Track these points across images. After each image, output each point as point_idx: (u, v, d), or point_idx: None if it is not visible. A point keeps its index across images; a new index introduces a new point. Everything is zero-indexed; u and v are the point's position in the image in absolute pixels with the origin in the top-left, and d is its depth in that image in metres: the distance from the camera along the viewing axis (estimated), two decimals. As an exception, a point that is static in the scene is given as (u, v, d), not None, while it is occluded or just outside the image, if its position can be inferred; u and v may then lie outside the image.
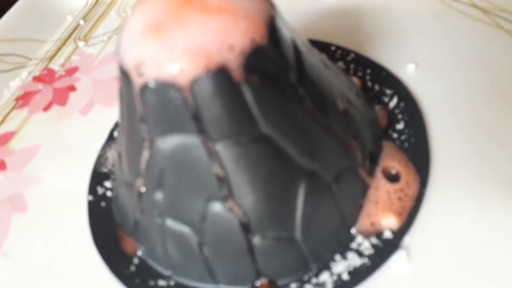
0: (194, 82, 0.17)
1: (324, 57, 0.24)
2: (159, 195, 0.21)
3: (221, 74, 0.17)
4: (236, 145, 0.19)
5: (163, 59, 0.17)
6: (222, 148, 0.19)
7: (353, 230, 0.22)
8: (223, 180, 0.19)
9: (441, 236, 0.21)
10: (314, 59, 0.22)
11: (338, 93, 0.22)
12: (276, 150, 0.19)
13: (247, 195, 0.20)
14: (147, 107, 0.19)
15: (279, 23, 0.19)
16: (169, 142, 0.19)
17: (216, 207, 0.20)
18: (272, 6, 0.19)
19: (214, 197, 0.20)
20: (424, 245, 0.21)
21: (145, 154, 0.20)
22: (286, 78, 0.19)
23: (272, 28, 0.18)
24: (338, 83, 0.23)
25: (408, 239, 0.22)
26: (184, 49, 0.17)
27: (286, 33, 0.20)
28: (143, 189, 0.21)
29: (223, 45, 0.17)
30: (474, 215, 0.22)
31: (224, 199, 0.20)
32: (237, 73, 0.17)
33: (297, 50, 0.20)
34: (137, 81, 0.18)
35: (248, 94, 0.18)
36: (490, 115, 0.26)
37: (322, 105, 0.21)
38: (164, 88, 0.17)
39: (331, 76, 0.23)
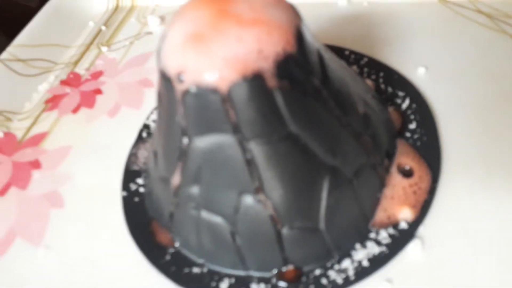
0: (232, 88, 0.19)
1: (343, 62, 0.26)
2: (195, 189, 0.23)
3: (256, 81, 0.19)
4: (267, 143, 0.21)
5: (204, 68, 0.19)
6: (254, 146, 0.21)
7: (371, 222, 0.24)
8: (254, 176, 0.21)
9: (453, 226, 0.23)
10: (335, 64, 0.24)
11: (357, 95, 0.24)
12: (303, 148, 0.21)
13: (276, 189, 0.22)
14: (187, 110, 0.21)
15: (306, 32, 0.21)
16: (206, 141, 0.21)
17: (248, 200, 0.22)
18: (299, 17, 0.21)
19: (246, 191, 0.22)
20: (438, 234, 0.23)
21: (183, 152, 0.22)
22: (312, 82, 0.21)
23: (300, 37, 0.20)
24: (356, 86, 0.25)
25: (422, 229, 0.24)
26: (222, 58, 0.19)
27: (311, 41, 0.22)
28: (179, 184, 0.23)
29: (258, 54, 0.19)
30: (483, 207, 0.24)
31: (255, 193, 0.22)
32: (270, 80, 0.19)
33: (321, 57, 0.22)
34: (179, 87, 0.20)
35: (279, 98, 0.20)
36: (496, 115, 0.28)
37: (343, 106, 0.23)
38: (205, 93, 0.19)
39: (350, 79, 0.25)
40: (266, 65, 0.19)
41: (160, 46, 0.21)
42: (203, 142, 0.21)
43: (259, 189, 0.22)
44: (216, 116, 0.20)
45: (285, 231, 0.22)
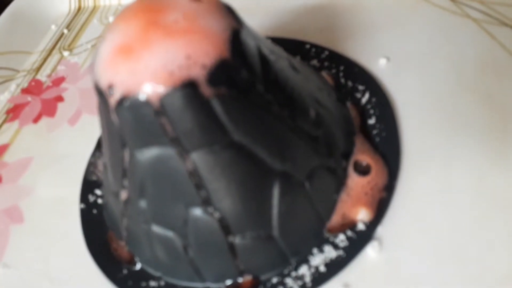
0: (163, 99, 0.18)
1: (294, 60, 0.26)
2: (142, 203, 0.22)
3: (187, 89, 0.18)
4: (209, 153, 0.20)
5: (132, 81, 0.18)
6: (196, 157, 0.20)
7: (328, 225, 0.23)
8: (200, 187, 0.21)
9: (411, 225, 0.23)
10: (282, 64, 0.23)
11: (307, 95, 0.23)
12: (248, 155, 0.21)
13: (224, 199, 0.21)
14: (123, 123, 0.20)
15: (244, 35, 0.20)
16: (146, 154, 0.20)
17: (196, 212, 0.21)
18: (235, 20, 0.20)
19: (193, 203, 0.21)
20: (396, 234, 0.23)
21: (126, 166, 0.22)
22: (253, 87, 0.20)
23: (235, 42, 0.19)
24: (308, 85, 0.24)
25: (380, 230, 0.23)
26: (150, 70, 0.18)
27: (251, 44, 0.21)
28: (127, 198, 0.23)
29: (187, 63, 0.18)
30: (442, 205, 0.23)
31: (203, 204, 0.21)
32: (205, 88, 0.19)
33: (263, 59, 0.21)
34: (112, 101, 0.19)
35: (217, 106, 0.19)
36: (459, 106, 0.27)
37: (290, 109, 0.22)
38: (136, 106, 0.19)
39: (300, 79, 0.24)
40: (197, 73, 0.18)
41: (94, 59, 0.21)
42: (143, 155, 0.20)
43: (206, 201, 0.21)
44: (152, 129, 0.19)
45: (237, 241, 0.22)
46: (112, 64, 0.19)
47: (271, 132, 0.21)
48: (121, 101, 0.19)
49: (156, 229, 0.22)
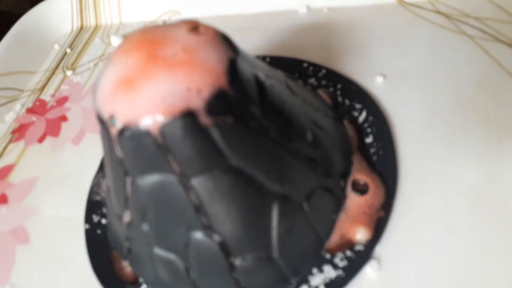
0: (163, 128, 0.19)
1: (291, 82, 0.26)
2: (145, 227, 0.23)
3: (186, 119, 0.19)
4: (209, 179, 0.20)
5: (132, 112, 0.19)
6: (196, 183, 0.20)
7: (327, 245, 0.24)
8: (200, 211, 0.21)
9: (410, 244, 0.23)
10: (279, 89, 0.23)
11: (304, 118, 0.24)
12: (247, 180, 0.21)
13: (224, 223, 0.21)
14: (125, 151, 0.20)
15: (240, 64, 0.21)
16: (147, 181, 0.21)
17: (197, 235, 0.22)
18: (232, 50, 0.21)
19: (194, 227, 0.21)
20: (394, 253, 0.23)
21: (128, 191, 0.22)
22: (251, 113, 0.21)
23: (232, 71, 0.20)
24: (305, 107, 0.25)
25: (379, 249, 0.23)
26: (150, 101, 0.18)
27: (247, 71, 0.21)
28: (130, 221, 0.23)
29: (185, 93, 0.19)
30: (441, 223, 0.23)
31: (203, 228, 0.21)
32: (203, 116, 0.19)
33: (259, 85, 0.22)
34: (113, 130, 0.20)
35: (215, 133, 0.20)
36: (455, 123, 0.27)
37: (288, 132, 0.22)
38: (137, 135, 0.19)
39: (297, 102, 0.24)
40: (196, 104, 0.19)
41: (95, 89, 0.21)
42: (144, 181, 0.21)
43: (206, 225, 0.21)
44: (153, 157, 0.20)
45: (237, 262, 0.22)
46: (113, 95, 0.19)
47: (269, 156, 0.22)
48: (122, 131, 0.19)
49: (159, 251, 0.23)
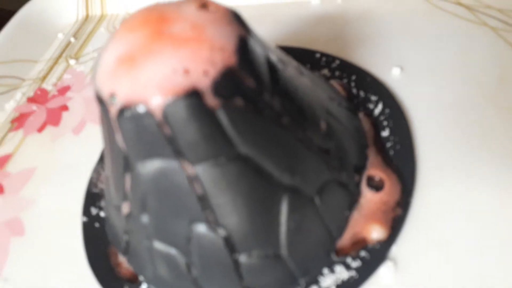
0: (165, 109, 0.17)
1: (304, 69, 0.25)
2: (144, 218, 0.21)
3: (191, 99, 0.17)
4: (214, 166, 0.19)
5: (134, 91, 0.17)
6: (201, 170, 0.19)
7: (340, 243, 0.22)
8: (204, 202, 0.19)
9: (428, 245, 0.21)
10: (292, 73, 0.22)
11: (318, 106, 0.22)
12: (256, 169, 0.19)
13: (229, 215, 0.20)
14: (124, 134, 0.19)
15: (251, 43, 0.19)
16: (149, 167, 0.19)
17: (200, 228, 0.20)
18: (241, 28, 0.19)
19: (197, 219, 0.20)
20: (412, 254, 0.21)
21: (128, 178, 0.21)
22: (261, 97, 0.19)
23: (242, 50, 0.18)
24: (318, 95, 0.23)
25: (395, 249, 0.22)
26: (152, 79, 0.17)
27: (259, 51, 0.20)
28: (128, 213, 0.22)
29: (190, 71, 0.17)
30: (461, 223, 0.22)
31: (207, 220, 0.20)
32: (209, 97, 0.18)
33: (271, 67, 0.20)
34: (113, 111, 0.18)
35: (222, 117, 0.18)
36: (477, 118, 0.25)
37: (300, 120, 0.21)
38: (138, 117, 0.18)
39: (310, 89, 0.23)
40: (201, 82, 0.17)
41: (95, 68, 0.20)
42: (145, 168, 0.19)
43: (210, 217, 0.20)
44: (154, 140, 0.18)
45: (243, 259, 0.21)
46: (115, 74, 0.18)
47: (280, 144, 0.20)
48: (122, 111, 0.18)
49: (159, 245, 0.21)
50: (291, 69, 0.22)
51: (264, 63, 0.20)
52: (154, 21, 0.19)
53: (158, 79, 0.17)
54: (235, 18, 0.20)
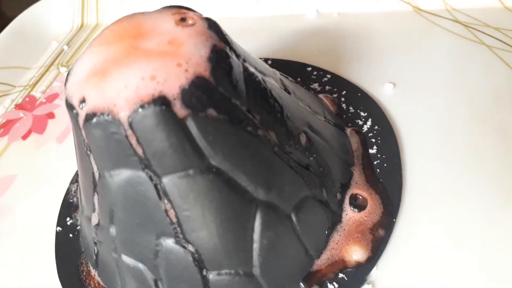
0: (132, 116, 0.16)
1: (289, 82, 0.24)
2: (112, 230, 0.20)
3: (158, 107, 0.16)
4: (182, 178, 0.18)
5: (101, 97, 0.17)
6: (168, 182, 0.18)
7: (317, 264, 0.21)
8: (172, 215, 0.18)
9: (410, 270, 0.20)
10: (273, 86, 0.21)
11: (299, 120, 0.21)
12: (228, 182, 0.18)
13: (198, 230, 0.19)
14: (91, 141, 0.18)
15: (227, 53, 0.18)
16: (116, 177, 0.18)
17: (168, 243, 0.19)
18: (217, 38, 0.18)
19: (165, 233, 0.19)
20: (392, 279, 0.20)
21: (96, 189, 0.20)
22: (236, 108, 0.18)
23: (215, 59, 0.18)
24: (301, 109, 0.22)
25: (375, 273, 0.20)
26: (120, 87, 0.16)
27: (236, 63, 0.19)
28: (97, 223, 0.21)
29: (159, 80, 0.16)
30: (447, 249, 0.20)
31: (175, 235, 0.19)
32: (178, 106, 0.17)
33: (248, 78, 0.19)
34: (81, 118, 0.18)
35: (192, 127, 0.17)
36: (468, 139, 0.24)
37: (278, 133, 0.20)
38: (105, 122, 0.17)
39: (291, 102, 0.22)
40: (169, 91, 0.16)
41: (68, 77, 0.19)
42: (113, 178, 0.18)
43: (178, 231, 0.19)
44: (121, 149, 0.17)
45: (212, 276, 0.19)
46: (86, 82, 0.18)
47: (255, 157, 0.19)
48: (89, 118, 0.17)
49: (126, 260, 0.20)
50: (272, 81, 0.21)
51: (240, 73, 0.19)
52: (131, 36, 0.19)
53: (126, 87, 0.16)
54: (212, 28, 0.19)
